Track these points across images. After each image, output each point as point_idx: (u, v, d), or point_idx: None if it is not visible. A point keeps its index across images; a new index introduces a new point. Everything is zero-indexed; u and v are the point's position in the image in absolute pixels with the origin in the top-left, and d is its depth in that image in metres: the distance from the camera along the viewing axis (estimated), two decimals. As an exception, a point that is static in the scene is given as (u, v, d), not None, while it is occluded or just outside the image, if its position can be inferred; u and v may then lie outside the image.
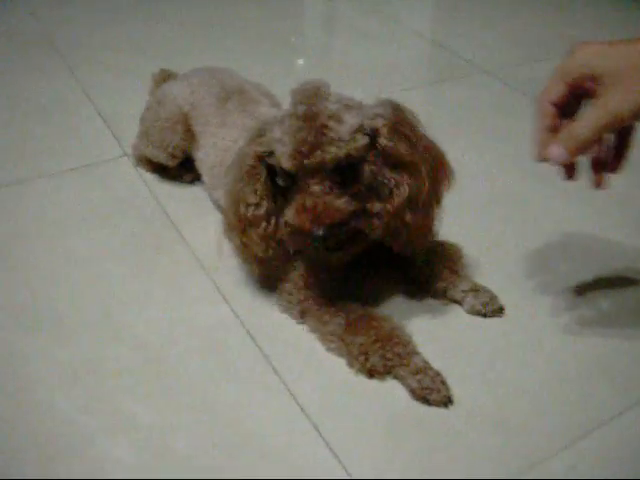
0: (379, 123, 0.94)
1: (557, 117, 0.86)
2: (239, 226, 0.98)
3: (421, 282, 1.08)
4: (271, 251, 0.99)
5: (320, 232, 0.88)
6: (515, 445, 0.87)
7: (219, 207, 1.23)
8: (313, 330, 1.02)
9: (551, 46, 2.01)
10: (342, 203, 0.90)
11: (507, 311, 1.05)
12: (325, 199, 0.89)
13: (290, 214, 0.91)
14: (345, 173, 0.91)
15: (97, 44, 1.92)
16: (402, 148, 0.94)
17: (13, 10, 2.11)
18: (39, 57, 1.83)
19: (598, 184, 0.92)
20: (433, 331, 1.03)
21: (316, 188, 0.90)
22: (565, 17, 2.24)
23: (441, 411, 0.91)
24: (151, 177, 1.35)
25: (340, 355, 0.98)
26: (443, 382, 0.93)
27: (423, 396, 0.92)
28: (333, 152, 0.89)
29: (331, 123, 0.89)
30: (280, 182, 0.94)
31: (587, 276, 1.14)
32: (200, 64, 1.42)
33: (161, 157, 1.30)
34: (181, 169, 1.33)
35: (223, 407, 0.92)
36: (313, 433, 0.88)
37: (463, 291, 1.05)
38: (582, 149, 0.82)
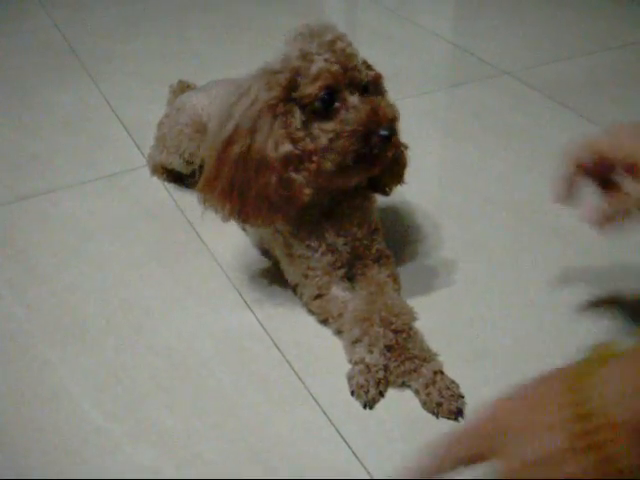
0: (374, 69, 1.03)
1: (578, 176, 0.90)
2: (276, 168, 0.91)
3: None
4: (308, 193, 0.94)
5: (386, 131, 0.91)
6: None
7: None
8: (336, 335, 1.03)
9: (571, 46, 1.99)
10: (391, 105, 0.96)
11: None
12: (380, 102, 0.94)
13: (353, 118, 0.91)
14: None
15: (119, 54, 1.93)
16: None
17: (36, 22, 2.14)
18: (63, 68, 1.85)
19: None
20: (456, 334, 1.03)
21: (355, 98, 0.92)
22: (583, 16, 2.23)
23: (465, 413, 0.92)
24: (173, 186, 1.36)
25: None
26: (454, 394, 0.92)
27: (431, 410, 0.92)
28: (364, 69, 0.96)
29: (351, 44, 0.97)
30: (317, 105, 0.92)
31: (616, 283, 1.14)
32: (224, 71, 1.43)
33: (175, 163, 1.30)
34: (194, 178, 1.32)
35: (247, 413, 0.93)
36: (336, 437, 0.89)
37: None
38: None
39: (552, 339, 1.02)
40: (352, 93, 0.93)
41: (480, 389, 0.94)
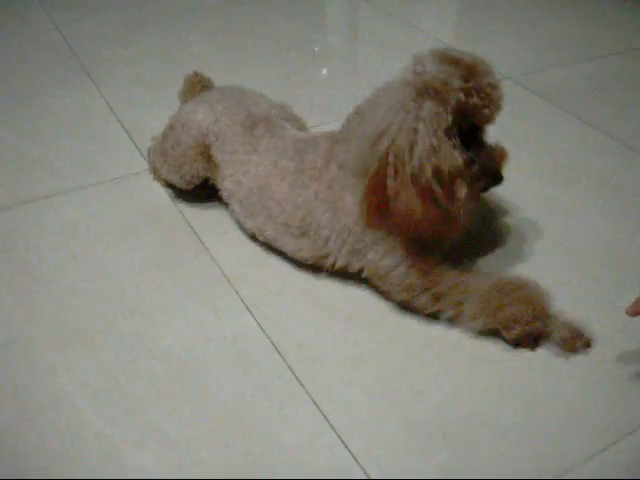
0: None
1: None
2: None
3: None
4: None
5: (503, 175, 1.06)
6: (542, 454, 0.88)
7: (255, 236, 1.22)
8: (451, 316, 1.04)
9: (573, 51, 2.00)
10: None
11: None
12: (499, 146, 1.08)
13: (497, 154, 1.06)
14: None
15: (121, 57, 1.94)
16: None
17: (38, 24, 2.14)
18: (64, 71, 1.85)
19: None
20: (463, 342, 1.03)
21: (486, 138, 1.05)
22: (585, 21, 2.23)
23: (464, 420, 0.92)
24: (175, 190, 1.36)
25: (488, 329, 1.03)
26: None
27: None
28: None
29: None
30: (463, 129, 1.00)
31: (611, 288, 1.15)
32: (227, 74, 1.43)
33: (175, 181, 1.30)
34: (196, 187, 1.32)
35: (248, 417, 0.93)
36: (338, 444, 0.89)
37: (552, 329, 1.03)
38: None
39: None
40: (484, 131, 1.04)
41: (490, 392, 0.94)
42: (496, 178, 1.05)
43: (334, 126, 1.16)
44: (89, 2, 2.32)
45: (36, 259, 1.19)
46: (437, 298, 1.04)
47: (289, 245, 1.16)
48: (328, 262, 1.13)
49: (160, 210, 1.31)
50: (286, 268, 1.17)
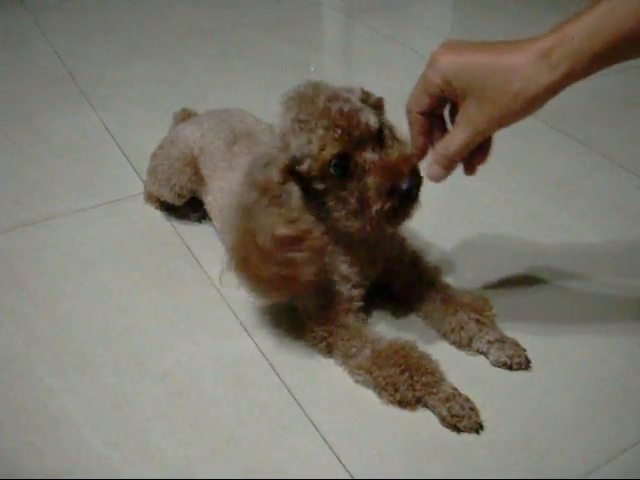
0: (374, 95, 1.00)
1: (426, 123, 0.88)
2: (278, 250, 0.91)
3: (445, 332, 1.07)
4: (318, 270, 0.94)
5: (406, 184, 0.88)
6: (541, 474, 0.88)
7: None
8: (340, 363, 1.03)
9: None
10: (408, 150, 0.92)
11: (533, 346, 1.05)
12: (395, 153, 0.91)
13: (371, 180, 0.89)
14: (379, 140, 0.94)
15: (119, 81, 1.95)
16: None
17: (36, 49, 2.15)
18: (62, 94, 1.86)
19: (470, 173, 0.91)
20: (457, 362, 1.04)
21: (371, 154, 0.91)
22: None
23: (465, 440, 0.92)
24: (171, 213, 1.36)
25: (368, 387, 0.99)
26: (473, 408, 0.94)
27: (453, 424, 0.93)
28: (372, 116, 0.92)
29: (347, 95, 0.94)
30: (333, 171, 0.90)
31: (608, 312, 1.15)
32: (222, 96, 1.43)
33: (167, 196, 1.30)
34: (187, 208, 1.34)
35: (247, 440, 0.93)
36: (337, 465, 0.89)
37: (489, 342, 1.02)
38: (456, 163, 0.87)
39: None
40: (364, 149, 0.91)
41: (489, 411, 0.94)
42: (388, 217, 0.91)
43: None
44: (87, 26, 2.33)
45: (35, 281, 1.20)
46: (330, 348, 1.04)
47: None
48: None
49: (158, 232, 1.32)
50: (284, 289, 1.17)
